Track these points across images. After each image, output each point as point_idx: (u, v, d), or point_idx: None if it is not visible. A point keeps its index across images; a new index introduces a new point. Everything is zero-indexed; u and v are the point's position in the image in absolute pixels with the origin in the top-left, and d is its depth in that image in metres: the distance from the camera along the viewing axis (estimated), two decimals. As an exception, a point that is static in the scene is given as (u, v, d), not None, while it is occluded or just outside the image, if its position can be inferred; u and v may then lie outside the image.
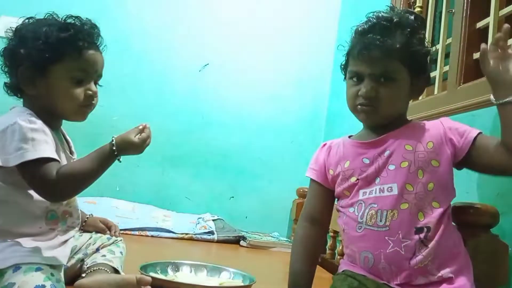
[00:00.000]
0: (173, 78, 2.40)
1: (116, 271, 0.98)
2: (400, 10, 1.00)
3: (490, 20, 1.23)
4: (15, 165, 0.82)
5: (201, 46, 2.45)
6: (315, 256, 1.00)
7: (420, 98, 1.53)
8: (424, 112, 1.41)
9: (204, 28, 2.46)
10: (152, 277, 0.99)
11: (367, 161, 0.92)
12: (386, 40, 0.88)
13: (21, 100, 0.98)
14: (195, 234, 1.94)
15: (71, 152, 1.03)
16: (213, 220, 2.09)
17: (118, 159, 0.88)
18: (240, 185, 2.39)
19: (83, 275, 0.82)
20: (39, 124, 0.87)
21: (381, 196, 0.87)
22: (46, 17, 0.97)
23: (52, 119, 0.95)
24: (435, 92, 1.44)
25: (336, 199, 1.01)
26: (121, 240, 1.10)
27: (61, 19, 0.97)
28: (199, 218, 2.11)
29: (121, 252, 1.06)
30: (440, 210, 0.85)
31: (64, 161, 0.94)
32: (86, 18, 0.99)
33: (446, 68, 1.41)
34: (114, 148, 0.86)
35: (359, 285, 0.85)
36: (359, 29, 0.94)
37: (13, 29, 0.96)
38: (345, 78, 0.99)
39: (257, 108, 2.44)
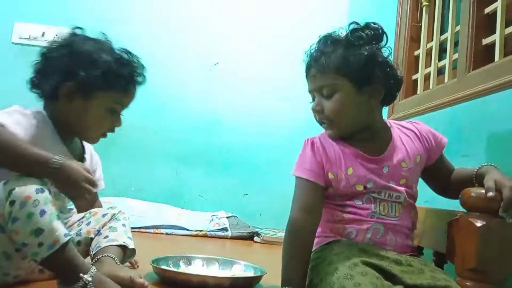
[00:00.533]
0: (184, 78, 2.43)
1: (123, 247, 0.99)
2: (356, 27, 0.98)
3: (498, 4, 1.21)
4: None
5: (211, 45, 2.47)
6: (311, 248, 0.95)
7: (430, 87, 1.53)
8: (436, 100, 1.40)
9: (213, 27, 2.48)
10: (164, 270, 1.01)
11: (368, 172, 0.94)
12: (320, 57, 0.94)
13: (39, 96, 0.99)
14: (209, 231, 1.95)
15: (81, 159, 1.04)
16: (227, 217, 2.11)
17: (46, 176, 0.82)
18: (253, 182, 2.40)
19: (91, 262, 0.83)
20: (28, 112, 0.89)
21: (389, 200, 0.95)
22: (101, 40, 0.99)
23: (66, 132, 0.97)
24: (445, 80, 1.43)
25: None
26: (120, 211, 1.08)
27: (117, 51, 0.98)
28: (213, 215, 2.12)
29: (123, 225, 1.05)
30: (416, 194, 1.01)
31: None
32: (135, 56, 1.02)
33: (456, 56, 1.39)
34: (54, 163, 0.81)
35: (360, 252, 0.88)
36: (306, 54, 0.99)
37: (62, 38, 0.97)
38: None
39: (269, 106, 2.45)
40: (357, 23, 0.97)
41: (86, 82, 0.92)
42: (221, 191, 2.38)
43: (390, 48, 0.99)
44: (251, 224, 2.12)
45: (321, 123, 0.98)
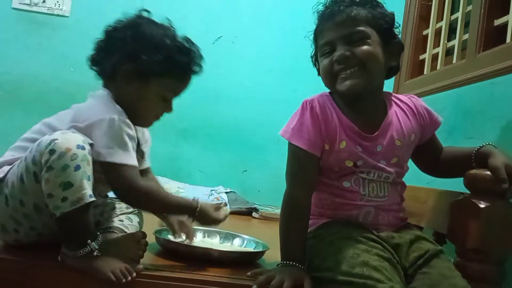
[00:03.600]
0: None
1: None
2: None
3: (513, -16, 1.18)
4: (103, 160, 0.85)
5: (214, 19, 2.42)
6: (308, 221, 0.95)
7: (438, 68, 1.51)
8: (442, 81, 1.38)
9: (217, 0, 2.43)
10: (168, 240, 1.01)
11: (360, 149, 0.93)
12: (350, 5, 0.92)
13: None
14: (208, 205, 1.96)
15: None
16: (226, 192, 2.11)
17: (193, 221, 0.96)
18: (252, 159, 2.39)
19: (98, 233, 0.84)
20: (133, 131, 0.90)
21: (378, 180, 0.94)
22: (166, 25, 0.99)
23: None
24: (454, 61, 1.41)
25: None
26: (140, 212, 1.11)
27: (180, 39, 0.98)
28: (212, 190, 2.13)
29: (138, 222, 1.07)
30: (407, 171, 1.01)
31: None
32: (195, 46, 1.01)
33: (466, 36, 1.37)
34: (197, 211, 0.93)
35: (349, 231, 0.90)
36: (323, 8, 0.97)
37: (128, 19, 0.97)
38: (315, 65, 1.02)
39: (270, 82, 2.42)
40: None
41: (147, 67, 0.92)
42: (220, 167, 2.38)
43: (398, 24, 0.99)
44: (249, 200, 2.13)
45: (343, 77, 0.91)
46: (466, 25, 1.39)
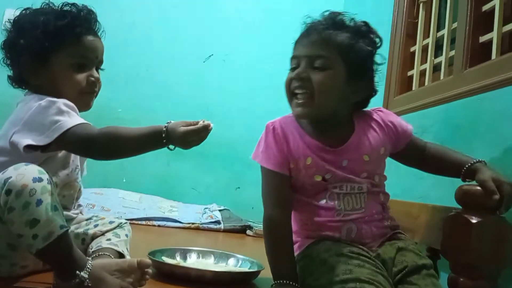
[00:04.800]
0: (178, 69, 2.41)
1: (121, 255, 0.98)
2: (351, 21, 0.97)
3: (496, 2, 1.21)
4: (55, 138, 0.82)
5: (205, 37, 2.45)
6: (291, 237, 0.95)
7: (426, 84, 1.53)
8: (431, 97, 1.40)
9: (208, 19, 2.46)
10: (162, 262, 1.00)
11: (327, 165, 0.93)
12: (327, 28, 0.91)
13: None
14: (201, 224, 1.95)
15: None
16: (219, 210, 2.11)
17: (168, 147, 0.83)
18: (245, 176, 2.39)
19: (89, 259, 0.83)
20: (70, 103, 0.88)
21: (352, 192, 0.94)
22: (42, 6, 0.97)
23: None
24: (441, 77, 1.43)
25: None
26: (126, 223, 1.10)
27: (58, 7, 0.97)
28: (206, 208, 2.12)
29: (126, 235, 1.06)
30: (383, 184, 1.00)
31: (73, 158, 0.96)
32: (82, 5, 0.99)
33: (452, 53, 1.40)
34: (164, 130, 0.81)
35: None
36: (308, 22, 0.96)
37: (11, 21, 0.96)
38: None
39: (262, 99, 2.44)
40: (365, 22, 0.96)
41: (35, 49, 0.91)
42: (213, 184, 2.38)
43: (384, 58, 0.99)
44: (243, 217, 2.13)
45: (294, 95, 0.92)
46: (452, 41, 1.42)
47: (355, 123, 0.97)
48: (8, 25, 0.96)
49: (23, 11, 0.96)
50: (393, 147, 1.00)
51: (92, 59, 0.97)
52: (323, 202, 0.93)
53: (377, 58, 0.97)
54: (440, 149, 1.03)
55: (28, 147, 0.83)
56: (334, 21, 0.93)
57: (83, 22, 0.96)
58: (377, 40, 0.96)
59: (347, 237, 0.92)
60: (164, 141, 0.81)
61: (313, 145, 0.93)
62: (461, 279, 0.90)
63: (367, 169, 0.95)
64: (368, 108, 1.02)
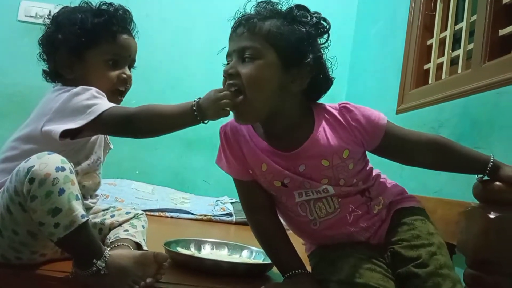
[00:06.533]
0: (191, 61, 2.41)
1: (138, 245, 0.99)
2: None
3: (517, -5, 1.19)
4: (91, 119, 0.83)
5: (218, 29, 2.43)
6: (280, 232, 0.92)
7: (443, 77, 1.51)
8: (448, 91, 1.39)
9: (222, 10, 2.44)
10: (178, 253, 1.01)
11: (282, 170, 0.86)
12: (253, 18, 0.84)
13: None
14: (213, 216, 1.96)
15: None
16: (231, 202, 2.11)
17: (201, 120, 0.82)
18: (257, 169, 2.39)
19: (107, 249, 0.83)
20: (100, 92, 0.90)
21: (320, 196, 0.88)
22: (81, 4, 1.01)
23: None
24: (459, 71, 1.41)
25: None
26: (142, 214, 1.11)
27: (95, 6, 1.00)
28: (217, 200, 2.13)
29: (142, 226, 1.07)
30: (365, 171, 0.91)
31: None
32: (119, 4, 1.02)
33: (470, 46, 1.38)
34: (194, 104, 0.81)
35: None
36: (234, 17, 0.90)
37: (51, 16, 0.99)
38: None
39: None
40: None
41: (72, 44, 0.94)
42: (225, 177, 2.35)
43: (327, 49, 0.89)
44: (255, 210, 2.13)
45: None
46: (471, 34, 1.40)
47: (314, 124, 0.87)
48: (47, 20, 0.99)
49: (62, 8, 1.00)
50: (367, 145, 0.89)
51: (125, 57, 1.00)
52: (294, 215, 0.91)
53: (321, 41, 0.88)
54: (450, 146, 0.92)
55: (63, 134, 0.84)
56: (262, 10, 0.86)
57: (119, 21, 0.99)
58: (320, 21, 0.87)
59: (339, 241, 0.90)
60: (195, 113, 0.81)
61: (266, 149, 0.87)
62: (479, 275, 0.89)
63: (327, 175, 0.86)
64: (333, 104, 0.92)
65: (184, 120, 0.85)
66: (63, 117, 0.86)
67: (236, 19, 0.87)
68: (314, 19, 0.86)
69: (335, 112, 0.88)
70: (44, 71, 1.01)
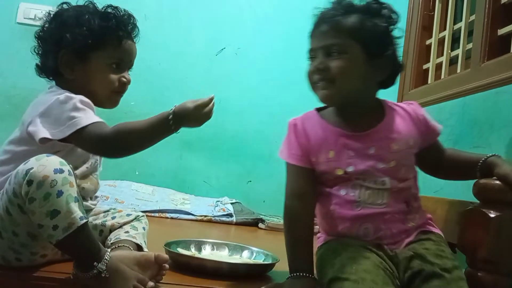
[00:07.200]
0: (190, 62, 2.40)
1: (139, 247, 0.99)
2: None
3: (516, -6, 1.20)
4: (68, 134, 0.84)
5: (217, 30, 2.44)
6: (309, 231, 0.93)
7: (442, 77, 1.52)
8: (447, 90, 1.39)
9: (221, 11, 2.45)
10: (178, 254, 1.01)
11: (352, 154, 0.91)
12: (336, 16, 0.90)
13: (52, 82, 1.01)
14: (214, 217, 1.96)
15: None
16: (231, 203, 2.11)
17: (175, 130, 0.84)
18: (257, 169, 2.39)
19: (108, 250, 0.84)
20: (87, 100, 0.90)
21: (374, 187, 0.91)
22: (86, 4, 1.01)
23: None
24: (458, 70, 1.42)
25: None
26: (143, 216, 1.11)
27: (102, 8, 1.01)
28: (217, 201, 2.13)
29: (143, 228, 1.07)
30: (412, 179, 0.96)
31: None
32: (124, 9, 1.03)
33: (469, 46, 1.38)
34: (171, 115, 0.82)
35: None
36: (318, 13, 0.95)
37: (52, 13, 0.99)
38: None
39: (274, 93, 2.43)
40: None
41: (78, 45, 0.94)
42: (225, 178, 2.38)
43: (402, 31, 0.96)
44: (255, 210, 2.13)
45: (318, 87, 0.92)
46: (469, 34, 1.40)
47: (385, 111, 0.95)
48: (47, 17, 0.99)
49: (64, 5, 1.00)
50: (421, 142, 0.97)
51: (127, 61, 1.02)
52: (343, 192, 0.92)
53: (396, 33, 0.94)
54: (454, 151, 1.02)
55: (44, 138, 0.84)
56: (341, 6, 0.92)
57: (126, 27, 1.00)
58: (392, 14, 0.94)
59: (364, 237, 0.90)
60: (171, 122, 0.82)
61: (337, 134, 0.92)
62: (479, 274, 0.89)
63: (395, 158, 0.91)
64: (400, 103, 1.00)
65: (161, 132, 0.86)
66: (46, 123, 0.86)
67: (318, 14, 0.93)
68: (387, 11, 0.93)
69: (404, 105, 0.97)
70: (37, 66, 1.00)
